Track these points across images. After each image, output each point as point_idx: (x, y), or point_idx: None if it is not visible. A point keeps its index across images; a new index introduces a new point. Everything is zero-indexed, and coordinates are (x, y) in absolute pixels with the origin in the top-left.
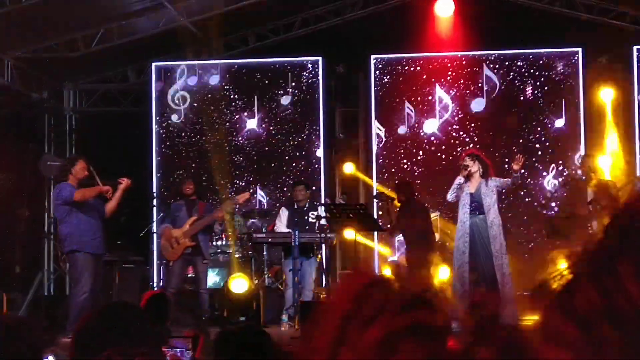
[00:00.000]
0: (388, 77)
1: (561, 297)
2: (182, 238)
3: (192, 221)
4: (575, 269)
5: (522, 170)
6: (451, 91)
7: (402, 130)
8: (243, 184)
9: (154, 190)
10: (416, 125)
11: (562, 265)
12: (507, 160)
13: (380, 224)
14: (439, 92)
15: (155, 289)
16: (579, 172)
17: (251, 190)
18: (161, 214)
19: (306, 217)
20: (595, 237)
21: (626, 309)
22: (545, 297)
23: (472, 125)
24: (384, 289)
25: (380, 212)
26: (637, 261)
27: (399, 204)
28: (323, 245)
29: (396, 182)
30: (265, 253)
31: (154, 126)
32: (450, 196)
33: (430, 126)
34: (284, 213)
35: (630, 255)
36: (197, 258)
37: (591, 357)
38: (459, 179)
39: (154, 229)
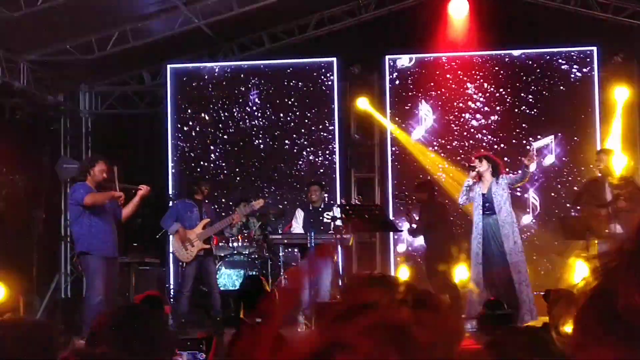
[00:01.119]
0: (404, 78)
1: (598, 297)
2: (196, 240)
3: (205, 223)
4: (611, 270)
5: (533, 167)
6: (465, 91)
7: (417, 131)
8: (258, 184)
9: (170, 192)
10: (433, 125)
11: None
12: (520, 158)
13: (402, 224)
14: (454, 93)
15: (172, 291)
16: (597, 169)
17: (266, 196)
18: (169, 212)
19: (321, 218)
20: (629, 237)
21: None
22: (579, 298)
23: (490, 124)
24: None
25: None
26: None
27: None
28: (339, 246)
29: (417, 181)
30: (281, 254)
31: (170, 127)
32: (461, 199)
33: (446, 127)
34: (299, 214)
35: None
36: (209, 259)
37: (628, 358)
38: (468, 181)
39: (161, 224)
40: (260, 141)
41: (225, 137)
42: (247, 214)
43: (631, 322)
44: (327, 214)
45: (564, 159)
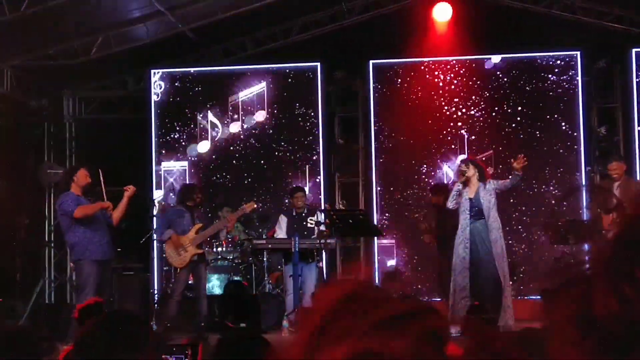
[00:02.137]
0: (387, 82)
1: (575, 302)
2: (189, 245)
3: (198, 228)
4: (589, 275)
5: (522, 173)
6: (449, 95)
7: (400, 135)
8: (244, 190)
9: (154, 197)
10: (415, 129)
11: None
12: (510, 160)
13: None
14: (435, 97)
15: (156, 296)
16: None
17: (255, 199)
18: (160, 218)
19: (305, 223)
20: (610, 241)
21: None
22: (557, 303)
23: (471, 128)
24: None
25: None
26: None
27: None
28: (323, 251)
29: (434, 184)
30: (265, 259)
31: (153, 133)
32: (450, 203)
33: (428, 130)
34: (283, 220)
35: None
36: (202, 265)
37: None
38: (458, 186)
39: (154, 236)
40: (243, 146)
41: (212, 141)
42: (239, 217)
43: (608, 327)
44: (311, 219)
45: (550, 160)
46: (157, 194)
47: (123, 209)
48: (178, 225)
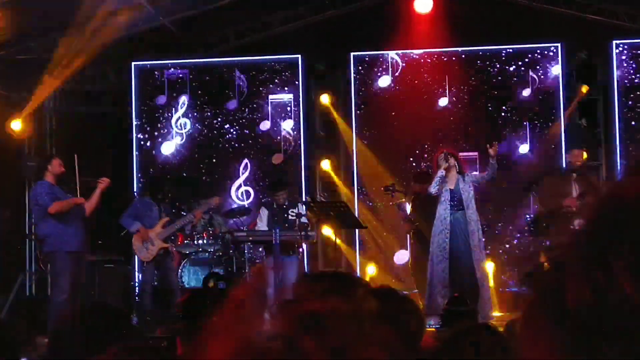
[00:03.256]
0: (369, 74)
1: (548, 293)
2: (156, 239)
3: (164, 222)
4: (563, 264)
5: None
6: (429, 87)
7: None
8: (223, 181)
9: (135, 190)
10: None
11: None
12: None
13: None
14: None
15: (137, 289)
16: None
17: (223, 193)
18: (128, 210)
19: (286, 215)
20: (582, 231)
21: (621, 308)
22: (529, 293)
23: (452, 120)
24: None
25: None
26: (632, 256)
27: (403, 197)
28: (304, 244)
29: (415, 172)
30: (246, 252)
31: (134, 126)
32: (434, 189)
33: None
34: (264, 212)
35: (623, 250)
36: (168, 258)
37: (574, 357)
38: (441, 172)
39: (121, 222)
40: (225, 138)
41: (189, 134)
42: (204, 211)
43: (581, 317)
44: (292, 211)
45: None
46: None
47: (96, 201)
48: (146, 218)
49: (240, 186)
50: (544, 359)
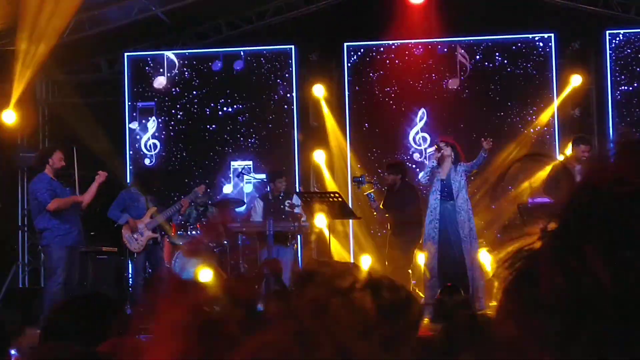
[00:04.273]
0: (362, 65)
1: (521, 280)
2: (144, 229)
3: (152, 212)
4: (534, 252)
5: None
6: (425, 78)
7: (375, 117)
8: (221, 171)
9: (129, 181)
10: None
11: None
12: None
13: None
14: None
15: (131, 280)
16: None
17: (207, 182)
18: (115, 203)
19: (282, 207)
20: (552, 218)
21: (593, 294)
22: (504, 281)
23: (446, 111)
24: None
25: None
26: (604, 241)
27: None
28: (298, 235)
29: (389, 161)
30: (240, 243)
31: (127, 117)
32: (423, 178)
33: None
34: (258, 204)
35: (596, 235)
36: (157, 248)
37: (549, 343)
38: (432, 162)
39: (110, 214)
40: (219, 129)
41: (182, 126)
42: (192, 200)
43: (553, 304)
44: (288, 202)
45: (523, 142)
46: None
47: (92, 194)
48: (133, 209)
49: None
50: (520, 346)
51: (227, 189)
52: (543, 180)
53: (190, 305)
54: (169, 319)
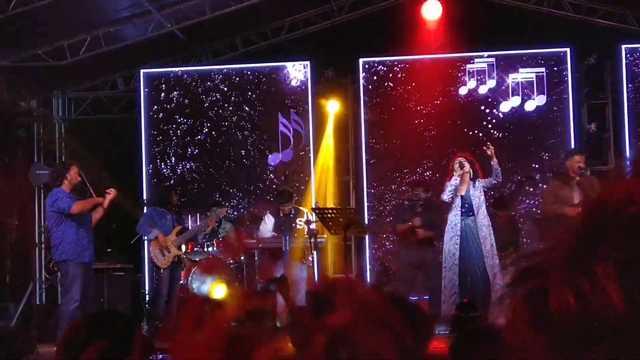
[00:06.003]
0: (377, 80)
1: (531, 298)
2: (171, 246)
3: (178, 230)
4: (545, 269)
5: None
6: (437, 92)
7: (391, 133)
8: (232, 190)
9: (144, 197)
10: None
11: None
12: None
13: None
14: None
15: (147, 296)
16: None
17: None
18: (144, 218)
19: (294, 225)
20: (570, 234)
21: (604, 314)
22: (514, 298)
23: (465, 125)
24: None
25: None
26: (616, 262)
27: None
28: (314, 251)
29: (417, 181)
30: (256, 259)
31: (144, 133)
32: (447, 197)
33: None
34: (269, 219)
35: (608, 255)
36: (179, 267)
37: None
38: (455, 180)
39: (138, 230)
40: (234, 145)
41: (199, 142)
42: (214, 220)
43: (562, 324)
44: (300, 220)
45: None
46: None
47: (103, 213)
48: (161, 226)
49: None
50: None
51: None
52: (544, 196)
53: (212, 323)
54: (191, 338)
